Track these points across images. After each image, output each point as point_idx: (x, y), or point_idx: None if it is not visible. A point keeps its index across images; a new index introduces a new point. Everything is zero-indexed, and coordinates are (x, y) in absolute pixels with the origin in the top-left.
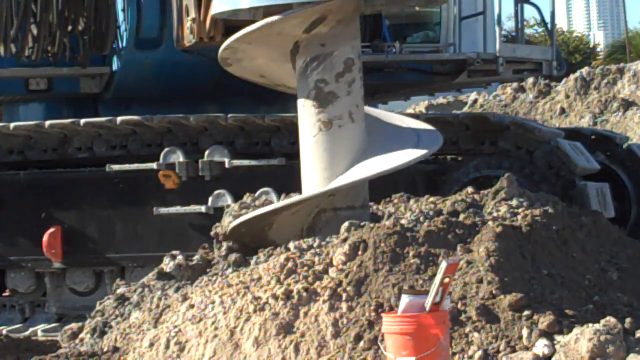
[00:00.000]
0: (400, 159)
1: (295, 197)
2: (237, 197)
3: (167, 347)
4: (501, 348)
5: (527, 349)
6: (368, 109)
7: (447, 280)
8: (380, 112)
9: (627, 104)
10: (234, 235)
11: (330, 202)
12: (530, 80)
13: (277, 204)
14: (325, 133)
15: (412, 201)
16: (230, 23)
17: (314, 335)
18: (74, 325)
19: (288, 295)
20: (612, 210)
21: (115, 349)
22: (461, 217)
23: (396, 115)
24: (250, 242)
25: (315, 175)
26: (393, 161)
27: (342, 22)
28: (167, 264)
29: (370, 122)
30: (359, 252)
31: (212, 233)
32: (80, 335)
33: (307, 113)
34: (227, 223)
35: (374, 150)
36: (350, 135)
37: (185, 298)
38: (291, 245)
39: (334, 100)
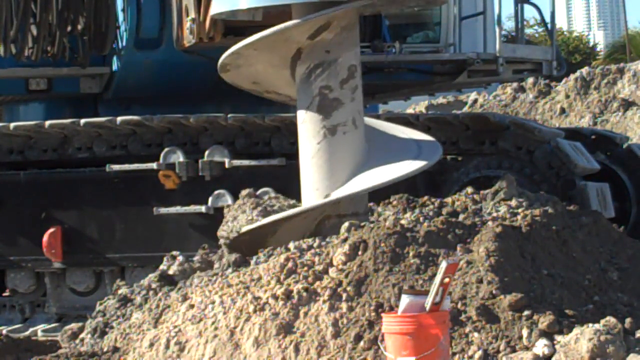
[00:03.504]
0: (401, 170)
1: (299, 208)
2: (237, 197)
3: (167, 347)
4: (501, 348)
5: (527, 349)
6: (368, 120)
7: (447, 280)
8: (381, 123)
9: (627, 104)
10: (235, 244)
11: (335, 209)
12: (530, 80)
13: (281, 214)
14: (330, 140)
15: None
16: (229, 23)
17: (314, 335)
18: (74, 326)
19: (288, 295)
20: (612, 210)
21: (116, 349)
22: (461, 217)
23: (396, 126)
24: (249, 251)
25: (318, 183)
26: (394, 172)
27: (346, 29)
28: (168, 265)
29: (371, 133)
30: (359, 252)
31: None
32: (81, 336)
33: (310, 120)
34: (228, 232)
35: (375, 160)
36: (354, 142)
37: (185, 298)
38: (291, 245)
39: (338, 107)
